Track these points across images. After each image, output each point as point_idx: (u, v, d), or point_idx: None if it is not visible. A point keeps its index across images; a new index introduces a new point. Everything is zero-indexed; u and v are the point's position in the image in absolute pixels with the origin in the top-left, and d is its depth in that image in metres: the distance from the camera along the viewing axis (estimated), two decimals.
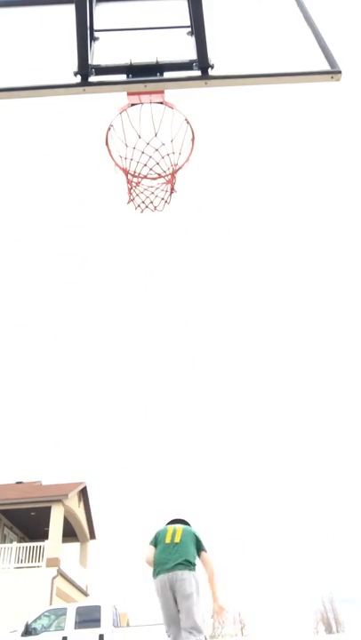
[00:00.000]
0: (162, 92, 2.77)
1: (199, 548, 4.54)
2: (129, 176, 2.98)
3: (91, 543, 24.51)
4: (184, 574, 4.13)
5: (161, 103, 2.79)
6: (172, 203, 3.09)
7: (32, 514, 20.57)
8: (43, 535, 20.25)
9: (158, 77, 2.72)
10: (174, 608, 4.09)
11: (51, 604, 16.34)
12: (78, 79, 2.71)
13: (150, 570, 4.46)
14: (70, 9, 2.66)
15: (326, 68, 2.73)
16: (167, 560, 4.26)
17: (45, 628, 11.59)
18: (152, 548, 4.54)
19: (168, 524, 4.81)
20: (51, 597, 16.98)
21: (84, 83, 2.70)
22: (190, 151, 2.91)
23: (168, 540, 4.44)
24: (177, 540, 4.43)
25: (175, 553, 4.29)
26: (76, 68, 2.71)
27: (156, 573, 4.28)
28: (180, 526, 4.64)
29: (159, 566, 4.28)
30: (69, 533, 21.95)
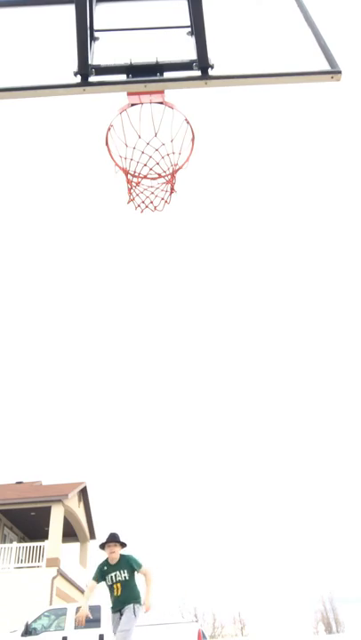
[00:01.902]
0: (162, 92, 2.77)
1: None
2: (129, 176, 2.97)
3: (91, 543, 24.50)
4: None
5: (161, 103, 2.79)
6: (172, 203, 3.09)
7: (32, 514, 20.56)
8: (43, 535, 20.25)
9: (158, 77, 2.72)
10: None
11: (51, 604, 16.34)
12: (78, 79, 2.70)
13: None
14: (70, 9, 2.66)
15: (326, 67, 2.73)
16: None
17: (45, 628, 11.58)
18: None
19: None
20: (51, 597, 16.99)
21: (84, 83, 2.70)
22: (190, 151, 2.91)
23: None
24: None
25: None
26: (76, 68, 2.70)
27: None
28: None
29: None
30: (69, 533, 21.93)
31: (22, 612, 13.11)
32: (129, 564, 5.62)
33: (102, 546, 5.78)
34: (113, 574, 5.61)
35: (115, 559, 5.64)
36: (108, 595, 5.63)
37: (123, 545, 5.77)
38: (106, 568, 5.68)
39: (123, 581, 5.53)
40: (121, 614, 5.42)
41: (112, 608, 5.60)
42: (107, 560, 5.70)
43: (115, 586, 5.55)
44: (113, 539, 5.74)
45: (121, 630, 5.27)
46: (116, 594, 5.54)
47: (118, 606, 5.50)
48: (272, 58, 2.82)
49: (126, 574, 5.57)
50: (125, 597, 5.48)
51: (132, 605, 5.44)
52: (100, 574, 5.69)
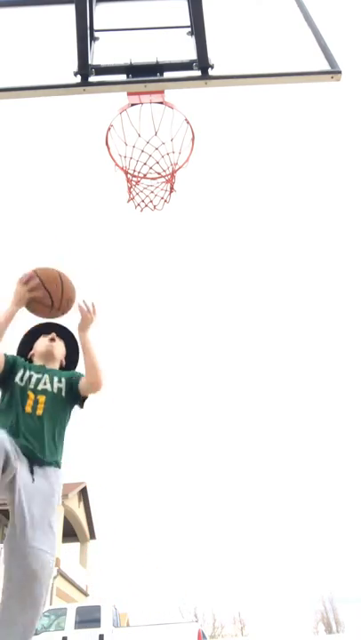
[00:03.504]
0: (162, 92, 2.77)
1: None
2: (129, 175, 2.98)
3: (91, 543, 24.50)
4: None
5: (161, 103, 2.79)
6: (171, 202, 3.09)
7: None
8: None
9: (158, 77, 2.73)
10: None
11: (51, 604, 16.34)
12: (78, 79, 2.71)
13: None
14: (70, 9, 2.66)
15: (326, 67, 2.73)
16: None
17: (45, 628, 11.58)
18: None
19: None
20: (51, 597, 17.00)
21: (84, 83, 2.71)
22: (190, 151, 2.92)
23: None
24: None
25: None
26: (76, 68, 2.71)
27: None
28: None
29: None
30: (69, 533, 21.92)
31: None
32: (69, 373, 2.78)
33: (33, 334, 2.97)
34: (36, 376, 2.62)
35: (50, 358, 2.80)
36: (8, 414, 2.49)
37: (72, 348, 2.90)
38: (26, 364, 2.74)
39: (50, 396, 2.59)
40: (32, 472, 2.37)
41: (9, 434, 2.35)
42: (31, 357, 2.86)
43: (34, 398, 2.55)
44: (59, 326, 2.92)
45: (44, 541, 2.38)
46: (28, 411, 2.49)
47: (24, 450, 2.37)
48: (272, 58, 2.83)
49: (63, 385, 2.66)
50: (41, 440, 2.46)
51: (54, 471, 2.46)
52: (14, 364, 2.64)
